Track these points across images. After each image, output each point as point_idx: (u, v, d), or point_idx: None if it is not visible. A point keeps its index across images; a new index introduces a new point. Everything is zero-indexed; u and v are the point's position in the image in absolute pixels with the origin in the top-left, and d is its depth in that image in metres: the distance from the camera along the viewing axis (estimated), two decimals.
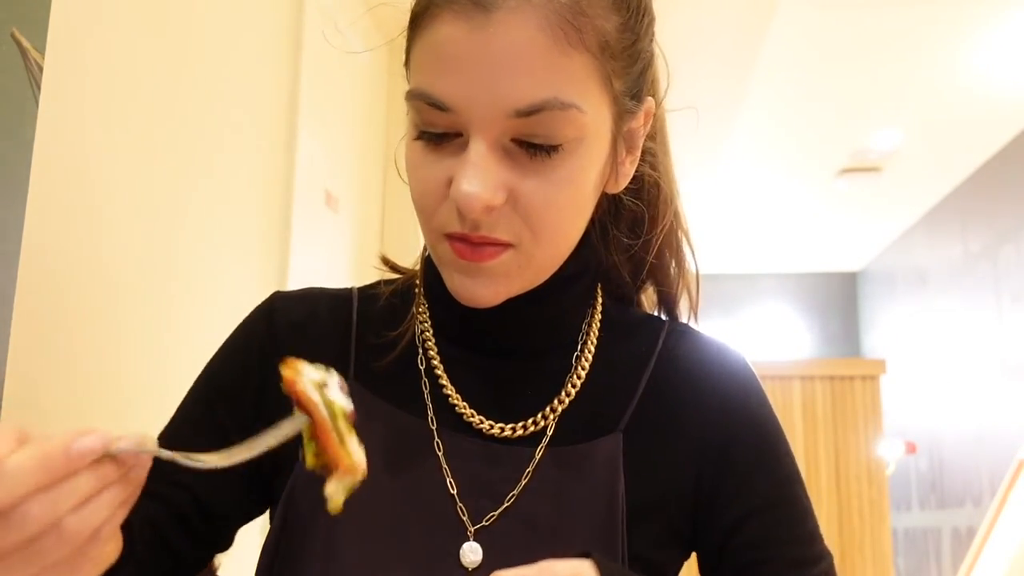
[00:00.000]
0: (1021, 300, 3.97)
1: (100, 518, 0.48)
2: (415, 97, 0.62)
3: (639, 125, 0.69)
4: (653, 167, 0.75)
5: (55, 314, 1.02)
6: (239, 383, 0.73)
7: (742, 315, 6.01)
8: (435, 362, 0.72)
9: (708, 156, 4.18)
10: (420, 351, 0.73)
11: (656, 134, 0.76)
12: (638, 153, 0.71)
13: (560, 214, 0.64)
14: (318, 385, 0.56)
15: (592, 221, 0.72)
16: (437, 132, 0.62)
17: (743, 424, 0.72)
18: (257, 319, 0.76)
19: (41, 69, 0.94)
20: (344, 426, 0.55)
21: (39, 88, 0.94)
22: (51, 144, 0.97)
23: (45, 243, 0.98)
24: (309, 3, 1.98)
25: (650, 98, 0.69)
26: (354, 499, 0.64)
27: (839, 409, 4.43)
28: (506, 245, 0.63)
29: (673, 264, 0.78)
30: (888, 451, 4.54)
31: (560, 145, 0.61)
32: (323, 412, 0.55)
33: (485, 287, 0.65)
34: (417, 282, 0.77)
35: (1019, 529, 3.05)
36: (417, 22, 0.63)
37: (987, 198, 4.32)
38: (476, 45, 0.58)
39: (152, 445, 0.50)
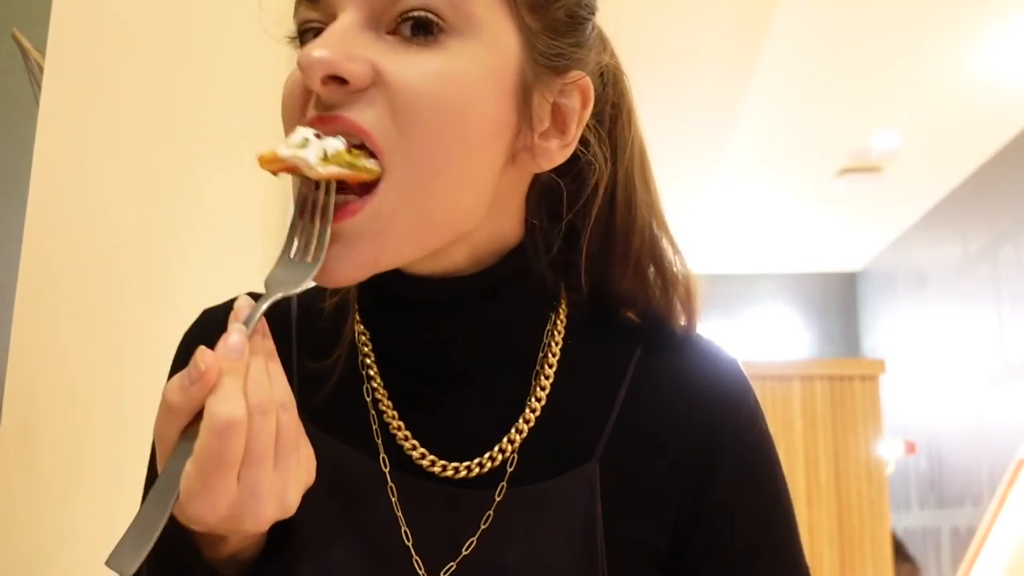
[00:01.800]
0: (1021, 300, 3.97)
1: (284, 381, 0.52)
2: (296, 8, 0.59)
3: (571, 101, 0.61)
4: (589, 145, 0.66)
5: (55, 314, 1.02)
6: None
7: (742, 315, 6.01)
8: (379, 394, 0.64)
9: (708, 157, 4.18)
10: (364, 380, 0.65)
11: (624, 127, 0.69)
12: (571, 138, 0.62)
13: (435, 114, 0.54)
14: (295, 155, 0.53)
15: (529, 203, 0.65)
16: (314, 37, 0.57)
17: (730, 444, 0.65)
18: (190, 354, 0.70)
19: (41, 69, 0.94)
20: (345, 159, 0.53)
21: (39, 88, 0.94)
22: (51, 144, 0.97)
23: (45, 243, 0.97)
24: None
25: (580, 72, 0.62)
26: (307, 553, 0.60)
27: (839, 409, 4.43)
28: (366, 134, 0.54)
29: (653, 270, 0.69)
30: (888, 451, 4.54)
31: (442, 32, 0.54)
32: (319, 169, 0.52)
33: (352, 254, 0.54)
34: (353, 295, 0.68)
35: (1018, 529, 3.05)
36: None
37: (987, 198, 4.32)
38: None
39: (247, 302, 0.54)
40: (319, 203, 0.54)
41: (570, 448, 0.63)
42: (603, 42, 0.68)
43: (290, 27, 0.63)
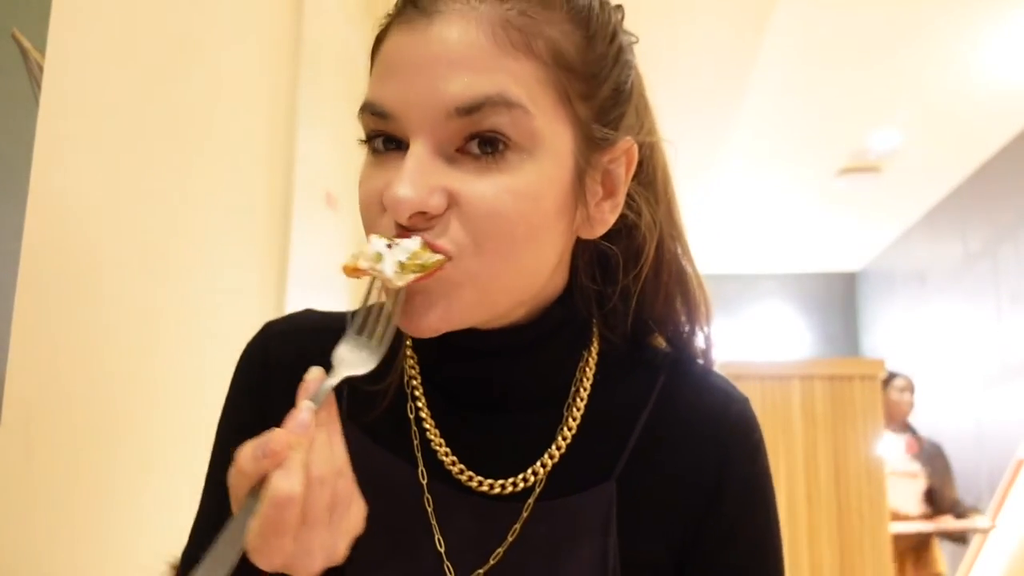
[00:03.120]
0: (1020, 299, 3.98)
1: (343, 449, 0.57)
2: (361, 111, 0.62)
3: (618, 168, 0.66)
4: (636, 211, 0.70)
5: (55, 313, 1.02)
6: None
7: (743, 315, 6.02)
8: (423, 413, 0.70)
9: (708, 157, 4.18)
10: (409, 398, 0.71)
11: (653, 178, 0.72)
12: (619, 199, 0.67)
13: (507, 227, 0.59)
14: (372, 264, 0.58)
15: (575, 267, 0.70)
16: (383, 145, 0.62)
17: (736, 475, 0.70)
18: (252, 366, 0.74)
19: (41, 69, 0.94)
20: (418, 261, 0.58)
21: (39, 88, 0.94)
22: (51, 144, 0.97)
23: (45, 243, 0.98)
24: (308, 3, 1.98)
25: (629, 138, 0.66)
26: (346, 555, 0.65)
27: (839, 409, 4.42)
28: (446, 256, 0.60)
29: (680, 300, 0.74)
30: (888, 450, 4.54)
31: (508, 149, 0.59)
32: (396, 282, 0.57)
33: (427, 311, 0.60)
34: None
35: (1018, 528, 3.05)
36: (375, 47, 0.63)
37: (987, 198, 4.32)
38: (416, 48, 0.59)
39: (322, 384, 0.58)
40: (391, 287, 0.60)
41: (593, 470, 0.69)
42: (645, 106, 0.71)
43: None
